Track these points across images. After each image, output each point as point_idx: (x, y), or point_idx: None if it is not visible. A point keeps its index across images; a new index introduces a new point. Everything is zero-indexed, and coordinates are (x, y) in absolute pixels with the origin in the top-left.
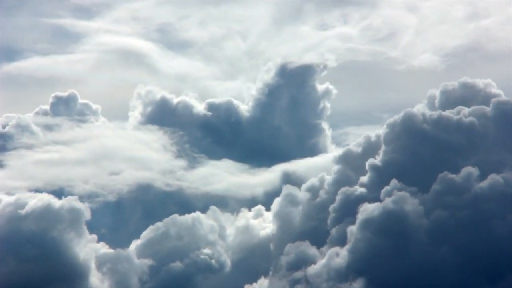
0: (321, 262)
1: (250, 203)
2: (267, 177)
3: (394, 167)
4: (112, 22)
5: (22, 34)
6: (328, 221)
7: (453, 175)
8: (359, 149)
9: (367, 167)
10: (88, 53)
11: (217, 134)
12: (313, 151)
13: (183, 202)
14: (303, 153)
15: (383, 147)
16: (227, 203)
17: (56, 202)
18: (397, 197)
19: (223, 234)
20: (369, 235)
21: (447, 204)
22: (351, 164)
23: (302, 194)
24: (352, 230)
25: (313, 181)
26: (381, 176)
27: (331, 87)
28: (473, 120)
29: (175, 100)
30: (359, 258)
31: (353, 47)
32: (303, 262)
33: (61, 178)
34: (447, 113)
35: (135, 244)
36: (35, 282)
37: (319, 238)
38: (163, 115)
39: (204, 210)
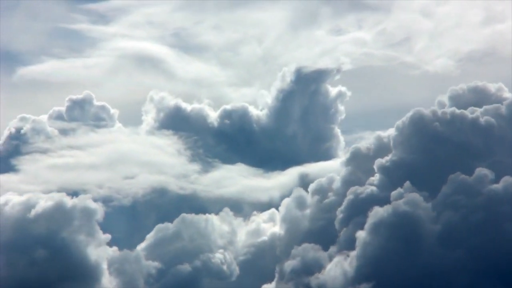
0: (330, 267)
1: (264, 206)
2: (281, 180)
3: (404, 168)
4: (128, 27)
5: (38, 39)
6: (336, 222)
7: (465, 176)
8: (370, 149)
9: (375, 167)
10: (104, 57)
11: (231, 139)
12: (327, 155)
13: (197, 206)
14: (317, 157)
15: (392, 147)
16: (241, 206)
17: (69, 201)
18: (407, 200)
19: (234, 237)
20: (379, 240)
21: (459, 206)
22: (360, 164)
23: (310, 194)
24: (362, 235)
25: (321, 181)
26: (390, 177)
27: (344, 89)
28: (489, 119)
29: (189, 107)
30: (368, 264)
31: (368, 52)
32: (310, 266)
33: (75, 182)
34: (460, 111)
35: (143, 245)
36: (45, 281)
37: (327, 239)
38: (177, 121)
39: (217, 213)
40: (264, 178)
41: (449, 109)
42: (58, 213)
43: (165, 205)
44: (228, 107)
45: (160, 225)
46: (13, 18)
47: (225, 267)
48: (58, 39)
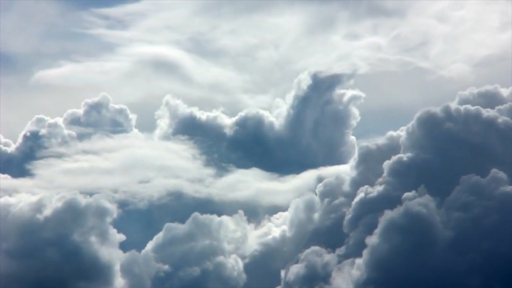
0: (337, 274)
1: (279, 209)
2: (295, 183)
3: (414, 168)
4: (145, 32)
5: (56, 43)
6: (345, 224)
7: (478, 177)
8: (380, 148)
9: (384, 168)
10: (121, 62)
11: (247, 145)
12: (342, 160)
13: (212, 209)
14: (333, 161)
15: (402, 147)
16: (256, 209)
17: (82, 200)
18: (418, 202)
19: (244, 240)
20: (389, 243)
21: (471, 208)
22: (370, 164)
23: (318, 195)
24: (371, 239)
25: (330, 181)
26: (400, 177)
27: (359, 93)
28: (506, 120)
29: (204, 115)
30: (378, 268)
31: (383, 57)
32: (316, 272)
33: (90, 187)
34: (475, 108)
35: (152, 244)
36: (56, 280)
37: (334, 241)
38: (192, 128)
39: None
40: (279, 182)
41: (462, 106)
42: (72, 212)
43: (180, 208)
44: (243, 113)
45: (169, 224)
46: (31, 22)
47: (235, 274)
48: (76, 44)
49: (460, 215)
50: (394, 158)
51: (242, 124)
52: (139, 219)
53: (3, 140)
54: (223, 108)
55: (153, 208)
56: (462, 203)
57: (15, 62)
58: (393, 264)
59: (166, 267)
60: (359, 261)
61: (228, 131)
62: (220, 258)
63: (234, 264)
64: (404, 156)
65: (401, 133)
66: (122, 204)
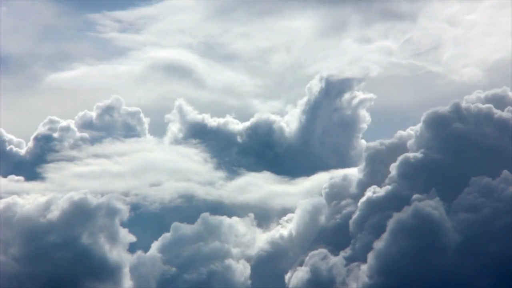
0: (344, 279)
1: (288, 211)
2: (306, 185)
3: (423, 169)
4: (157, 35)
5: (69, 47)
6: (351, 223)
7: (489, 179)
8: (388, 148)
9: (392, 168)
10: (134, 65)
11: (258, 151)
12: (353, 163)
13: (223, 211)
14: (344, 165)
15: (409, 148)
16: (267, 212)
17: (93, 200)
18: (426, 204)
19: (252, 243)
20: (396, 247)
21: (480, 210)
22: (377, 164)
23: (323, 196)
24: (379, 243)
25: (336, 180)
26: (407, 178)
27: (370, 95)
28: None
29: (216, 121)
30: (385, 272)
31: (394, 61)
32: (320, 277)
33: (101, 190)
34: (486, 107)
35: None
36: (65, 279)
37: (340, 240)
38: (203, 134)
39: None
40: (289, 185)
41: (473, 105)
42: (82, 212)
43: (191, 211)
44: (255, 119)
45: (177, 224)
46: (43, 25)
47: (242, 279)
48: (89, 47)
49: (469, 217)
50: (402, 158)
51: (254, 129)
52: (151, 222)
53: (16, 140)
54: (235, 114)
55: (164, 211)
56: (471, 204)
57: (28, 64)
58: (401, 267)
59: (173, 269)
60: (364, 266)
61: (240, 136)
62: (228, 261)
63: (243, 269)
64: (412, 156)
65: (411, 131)
66: (133, 207)
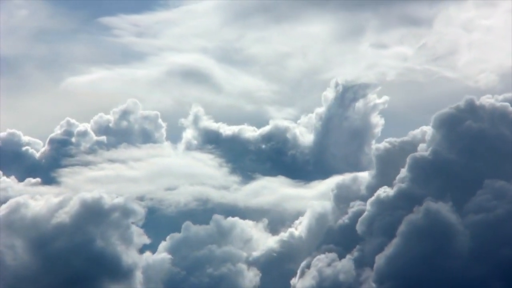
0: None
1: (302, 214)
2: (320, 189)
3: (434, 169)
4: (174, 40)
5: (87, 51)
6: (360, 224)
7: (503, 182)
8: (398, 148)
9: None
10: (151, 70)
11: (273, 157)
12: (369, 167)
13: (237, 215)
14: (358, 169)
15: (422, 146)
16: (280, 214)
17: (109, 200)
18: (436, 208)
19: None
20: (408, 249)
21: (494, 213)
22: (387, 164)
23: (332, 197)
24: (388, 247)
25: (345, 182)
26: (418, 179)
27: (384, 99)
28: None
29: (231, 130)
30: (394, 276)
31: (409, 66)
32: (326, 281)
33: (115, 194)
34: (502, 105)
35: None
36: (78, 277)
37: (348, 242)
38: (218, 141)
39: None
40: (304, 188)
41: (488, 101)
42: (97, 211)
43: (206, 214)
44: (270, 126)
45: (188, 223)
46: (62, 29)
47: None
48: (106, 52)
49: (481, 220)
50: (412, 157)
51: (269, 135)
52: (166, 225)
53: (33, 141)
54: (250, 120)
55: (180, 214)
56: (484, 207)
57: (46, 67)
58: (411, 271)
59: (182, 272)
60: (372, 271)
61: (255, 143)
62: (237, 266)
63: (252, 275)
64: (422, 155)
65: (424, 129)
66: (148, 211)
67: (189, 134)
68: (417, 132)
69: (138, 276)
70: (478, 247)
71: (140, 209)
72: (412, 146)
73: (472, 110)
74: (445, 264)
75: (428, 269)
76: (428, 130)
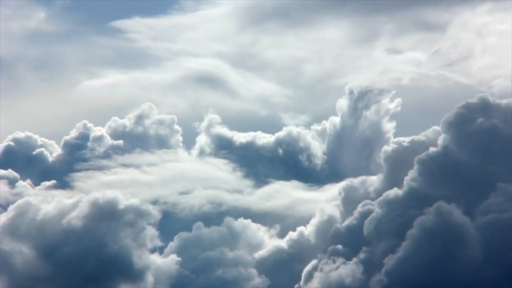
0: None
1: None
2: (334, 192)
3: (445, 170)
4: (190, 44)
5: (103, 55)
6: (366, 224)
7: None
8: (409, 149)
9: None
10: (166, 74)
11: (286, 162)
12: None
13: (250, 218)
14: (373, 173)
15: (433, 147)
16: (294, 217)
17: (123, 201)
18: (445, 211)
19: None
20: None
21: (505, 217)
22: (398, 165)
23: (340, 199)
24: (397, 251)
25: (353, 184)
26: (429, 178)
27: (396, 103)
28: None
29: (244, 138)
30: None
31: (423, 72)
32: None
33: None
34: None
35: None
36: (91, 277)
37: (355, 244)
38: (232, 148)
39: (271, 225)
40: (318, 192)
41: (503, 101)
42: (111, 212)
43: (220, 217)
44: (283, 132)
45: (199, 223)
46: (79, 31)
47: None
48: (122, 56)
49: (494, 223)
50: (422, 156)
51: (282, 141)
52: (180, 228)
53: (47, 141)
54: (264, 126)
55: (193, 217)
56: (497, 210)
57: (62, 70)
58: (422, 274)
59: (189, 273)
60: (379, 275)
61: (268, 149)
62: (245, 270)
63: (261, 283)
64: (433, 154)
65: (436, 128)
66: (162, 214)
67: (203, 141)
68: (428, 131)
69: (150, 278)
70: (490, 250)
71: (154, 211)
72: (422, 146)
73: (485, 108)
74: (457, 267)
75: (440, 272)
76: (439, 129)
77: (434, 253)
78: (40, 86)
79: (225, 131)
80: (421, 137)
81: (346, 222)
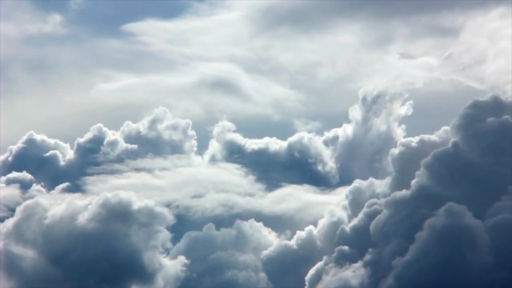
0: None
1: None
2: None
3: (455, 168)
4: (204, 48)
5: (116, 59)
6: (373, 225)
7: None
8: (418, 150)
9: (419, 170)
10: (180, 78)
11: (298, 167)
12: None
13: (262, 221)
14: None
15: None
16: (305, 220)
17: (136, 202)
18: (453, 213)
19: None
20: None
21: None
22: (407, 165)
23: (347, 201)
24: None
25: (360, 186)
26: (436, 178)
27: (408, 108)
28: None
29: (257, 144)
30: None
31: (435, 77)
32: None
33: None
34: None
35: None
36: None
37: (362, 246)
38: (244, 154)
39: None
40: (329, 195)
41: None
42: (125, 213)
43: (232, 219)
44: (296, 137)
45: (210, 224)
46: (93, 34)
47: None
48: (135, 60)
49: (505, 226)
50: (431, 157)
51: (295, 147)
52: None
53: (59, 143)
54: (277, 132)
55: (206, 220)
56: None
57: (77, 73)
58: (432, 277)
59: (196, 276)
60: (386, 279)
61: (280, 154)
62: (250, 273)
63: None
64: (442, 154)
65: (447, 128)
66: (174, 218)
67: (215, 147)
68: (438, 132)
69: (160, 280)
70: (501, 253)
71: (167, 214)
72: (431, 146)
73: (496, 106)
74: (468, 270)
75: (450, 275)
76: (448, 129)
77: (444, 255)
78: (53, 89)
79: (238, 138)
80: (431, 136)
81: (352, 223)
